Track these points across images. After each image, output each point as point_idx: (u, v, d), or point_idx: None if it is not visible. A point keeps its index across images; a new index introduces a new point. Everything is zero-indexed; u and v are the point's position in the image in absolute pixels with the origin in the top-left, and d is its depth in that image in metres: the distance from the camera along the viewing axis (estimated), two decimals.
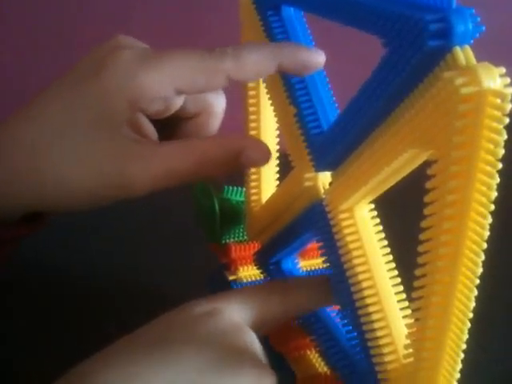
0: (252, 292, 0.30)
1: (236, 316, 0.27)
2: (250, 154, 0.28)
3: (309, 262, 0.38)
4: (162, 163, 0.26)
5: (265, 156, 0.28)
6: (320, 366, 0.33)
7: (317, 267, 0.38)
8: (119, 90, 0.25)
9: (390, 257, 0.26)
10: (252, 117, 0.33)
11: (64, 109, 0.26)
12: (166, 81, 0.26)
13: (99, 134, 0.26)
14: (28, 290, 0.48)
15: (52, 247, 0.50)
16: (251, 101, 0.33)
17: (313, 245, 0.37)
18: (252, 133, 0.34)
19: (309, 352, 0.33)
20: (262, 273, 0.37)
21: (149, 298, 0.47)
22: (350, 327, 0.27)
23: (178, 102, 0.29)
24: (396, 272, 0.26)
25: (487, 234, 0.19)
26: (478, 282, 0.20)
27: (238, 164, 0.28)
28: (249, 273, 0.40)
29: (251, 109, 0.33)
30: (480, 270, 0.20)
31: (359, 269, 0.26)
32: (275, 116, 0.32)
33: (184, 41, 0.61)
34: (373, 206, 0.27)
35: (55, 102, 0.27)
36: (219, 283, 0.41)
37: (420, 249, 0.20)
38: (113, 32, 0.28)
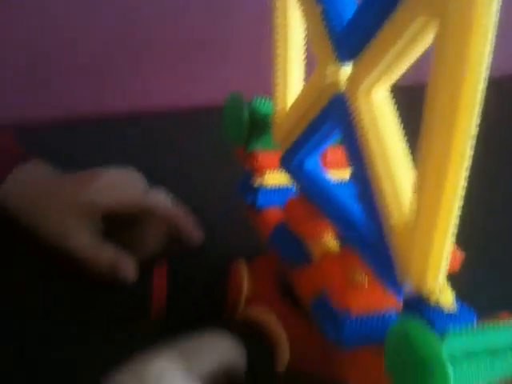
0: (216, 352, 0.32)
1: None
2: None
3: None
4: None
5: None
6: (334, 245, 0.36)
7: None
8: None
9: (402, 136, 0.29)
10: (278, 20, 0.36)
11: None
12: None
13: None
14: None
15: None
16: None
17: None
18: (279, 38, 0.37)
19: (325, 232, 0.37)
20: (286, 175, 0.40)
21: None
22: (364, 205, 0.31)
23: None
24: (406, 149, 0.29)
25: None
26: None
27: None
28: (273, 179, 0.43)
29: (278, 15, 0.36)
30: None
31: (374, 145, 0.29)
32: (303, 17, 0.35)
33: None
34: (389, 93, 0.30)
35: None
36: (249, 189, 0.44)
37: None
38: None
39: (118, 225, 0.46)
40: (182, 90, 0.74)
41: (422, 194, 0.25)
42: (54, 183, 0.48)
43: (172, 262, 0.41)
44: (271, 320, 0.36)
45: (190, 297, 0.39)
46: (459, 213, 0.25)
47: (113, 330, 0.41)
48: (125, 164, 0.49)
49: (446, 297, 0.32)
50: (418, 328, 0.25)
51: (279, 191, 0.44)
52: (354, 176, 0.32)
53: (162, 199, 0.47)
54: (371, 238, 0.31)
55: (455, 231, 0.26)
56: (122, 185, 0.47)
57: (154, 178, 0.49)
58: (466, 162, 0.24)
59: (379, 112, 0.29)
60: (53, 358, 0.38)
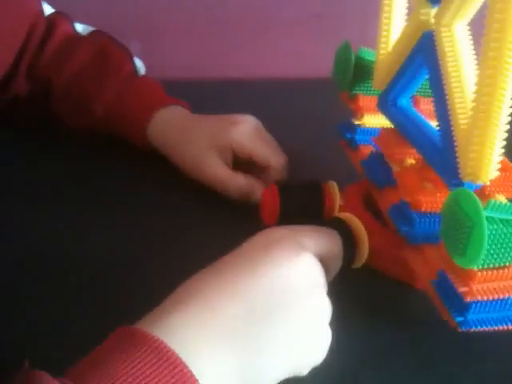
0: (321, 233, 0.39)
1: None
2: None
3: None
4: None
5: None
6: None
7: None
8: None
9: (474, 61, 0.36)
10: None
11: None
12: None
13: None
14: None
15: None
16: None
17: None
18: None
19: (409, 158, 0.44)
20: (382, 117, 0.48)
21: None
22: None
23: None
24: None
25: None
26: None
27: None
28: (371, 120, 0.51)
29: None
30: None
31: (451, 68, 0.36)
32: None
33: None
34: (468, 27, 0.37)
35: None
36: (349, 128, 0.52)
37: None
38: None
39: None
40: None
41: (478, 100, 0.33)
42: (195, 121, 0.56)
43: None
44: (357, 222, 0.43)
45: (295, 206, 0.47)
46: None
47: None
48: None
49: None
50: (466, 194, 0.32)
51: (375, 131, 0.51)
52: (434, 95, 0.39)
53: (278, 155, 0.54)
54: (442, 148, 0.38)
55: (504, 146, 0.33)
56: (256, 135, 0.54)
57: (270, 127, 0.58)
58: None
59: (456, 40, 0.36)
60: None
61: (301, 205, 0.48)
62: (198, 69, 0.78)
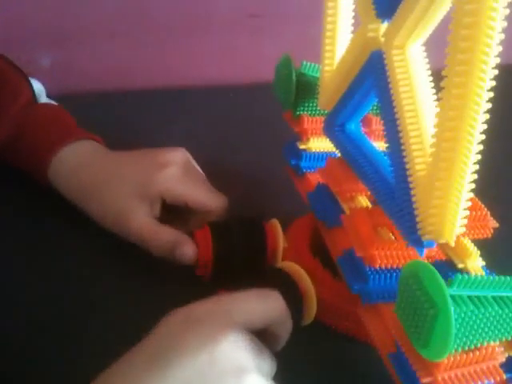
0: (260, 299, 0.32)
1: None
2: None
3: None
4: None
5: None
6: (366, 203, 0.37)
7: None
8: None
9: (431, 89, 0.30)
10: None
11: None
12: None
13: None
14: None
15: None
16: None
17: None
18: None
19: (359, 194, 0.38)
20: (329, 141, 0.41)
21: None
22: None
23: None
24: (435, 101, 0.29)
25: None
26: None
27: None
28: (318, 144, 0.44)
29: None
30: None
31: (404, 95, 0.29)
32: None
33: None
34: (423, 47, 0.30)
35: None
36: (294, 153, 0.46)
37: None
38: None
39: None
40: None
41: (438, 146, 0.26)
42: (114, 163, 0.46)
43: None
44: (303, 274, 0.37)
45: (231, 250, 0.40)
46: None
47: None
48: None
49: (472, 260, 0.33)
50: (427, 271, 0.26)
51: (323, 156, 0.45)
52: (385, 130, 0.32)
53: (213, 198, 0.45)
54: (398, 194, 0.31)
55: (472, 188, 0.27)
56: (188, 176, 0.45)
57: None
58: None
59: (410, 64, 0.30)
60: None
61: (238, 249, 0.41)
62: (121, 79, 0.68)
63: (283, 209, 0.46)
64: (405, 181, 0.30)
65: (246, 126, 0.61)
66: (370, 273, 0.34)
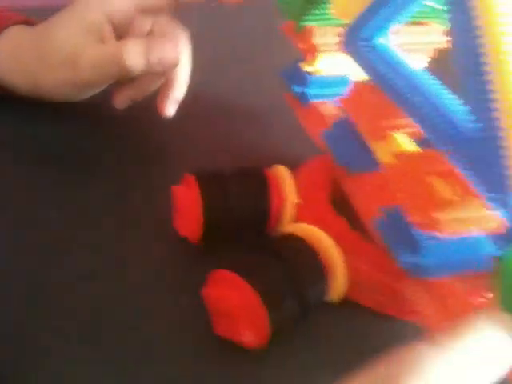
0: None
1: None
2: None
3: None
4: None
5: None
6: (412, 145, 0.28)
7: None
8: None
9: None
10: None
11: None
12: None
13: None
14: None
15: None
16: None
17: None
18: None
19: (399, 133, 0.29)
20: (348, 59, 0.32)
21: None
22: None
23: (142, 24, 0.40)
24: None
25: None
26: None
27: None
28: (329, 65, 0.34)
29: None
30: None
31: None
32: None
33: None
34: None
35: None
36: (296, 77, 0.36)
37: None
38: None
39: None
40: None
41: None
42: (44, 24, 0.41)
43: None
44: (327, 241, 0.28)
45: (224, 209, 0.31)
46: None
47: None
48: None
49: None
50: None
51: (335, 81, 0.35)
52: (455, 52, 0.23)
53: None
54: (473, 137, 0.22)
55: None
56: None
57: None
58: None
59: None
60: None
61: (234, 205, 0.31)
62: None
63: (290, 152, 0.36)
64: (489, 117, 0.21)
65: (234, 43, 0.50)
66: (428, 242, 0.25)
